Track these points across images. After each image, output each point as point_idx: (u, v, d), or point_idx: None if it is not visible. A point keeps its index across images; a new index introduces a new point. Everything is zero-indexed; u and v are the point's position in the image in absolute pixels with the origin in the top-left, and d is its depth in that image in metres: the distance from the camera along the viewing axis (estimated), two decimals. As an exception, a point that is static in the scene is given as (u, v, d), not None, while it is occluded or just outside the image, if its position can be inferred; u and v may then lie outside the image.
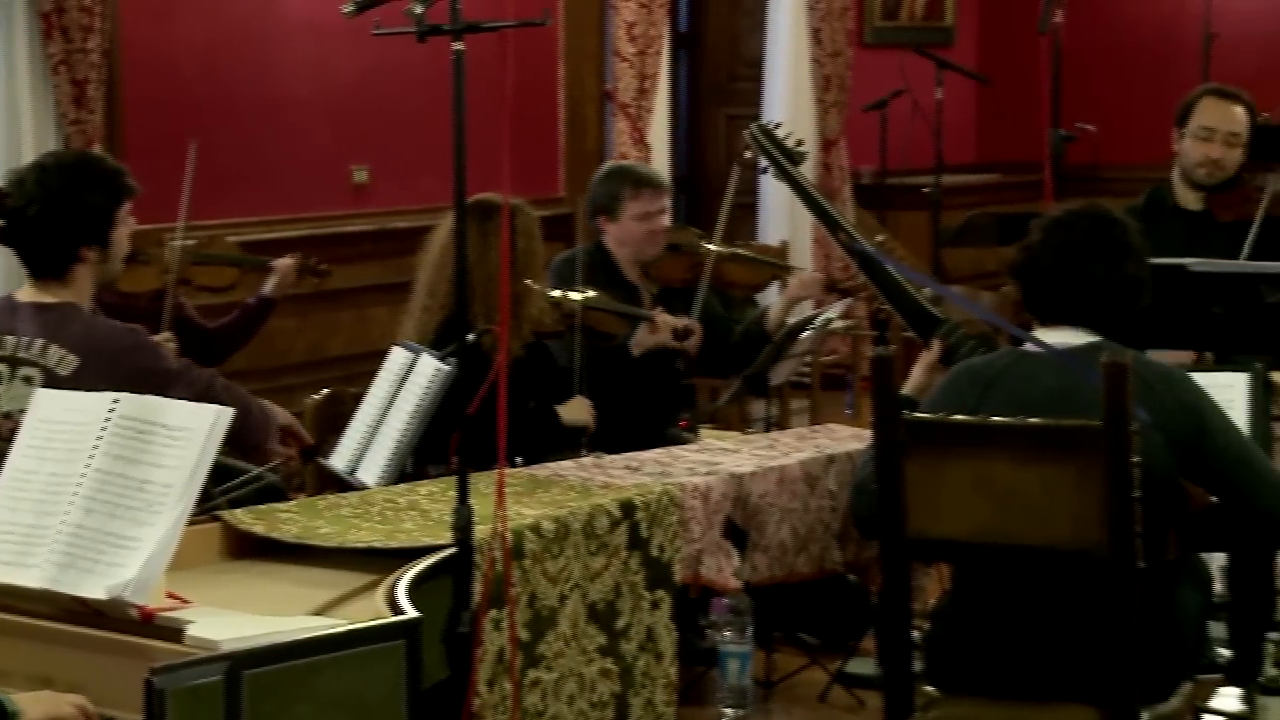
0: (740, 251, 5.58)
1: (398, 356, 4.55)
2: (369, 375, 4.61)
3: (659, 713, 3.96)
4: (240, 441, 3.97)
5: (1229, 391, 3.94)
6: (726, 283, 5.57)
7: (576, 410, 4.92)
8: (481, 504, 3.43)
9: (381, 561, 3.34)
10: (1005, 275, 3.62)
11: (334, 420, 4.72)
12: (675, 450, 4.67)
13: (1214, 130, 5.11)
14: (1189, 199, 5.16)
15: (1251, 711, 4.21)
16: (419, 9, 3.24)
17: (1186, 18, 9.34)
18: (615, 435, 4.88)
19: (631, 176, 5.45)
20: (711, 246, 5.46)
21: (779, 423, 6.86)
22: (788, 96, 8.95)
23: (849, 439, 4.74)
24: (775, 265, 5.85)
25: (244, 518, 3.60)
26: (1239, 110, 5.13)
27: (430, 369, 4.37)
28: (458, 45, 3.25)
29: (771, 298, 6.20)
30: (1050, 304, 3.54)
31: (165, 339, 5.09)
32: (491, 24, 3.31)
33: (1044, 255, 3.54)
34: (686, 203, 9.55)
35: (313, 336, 7.06)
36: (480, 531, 3.35)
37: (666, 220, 5.42)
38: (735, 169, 5.58)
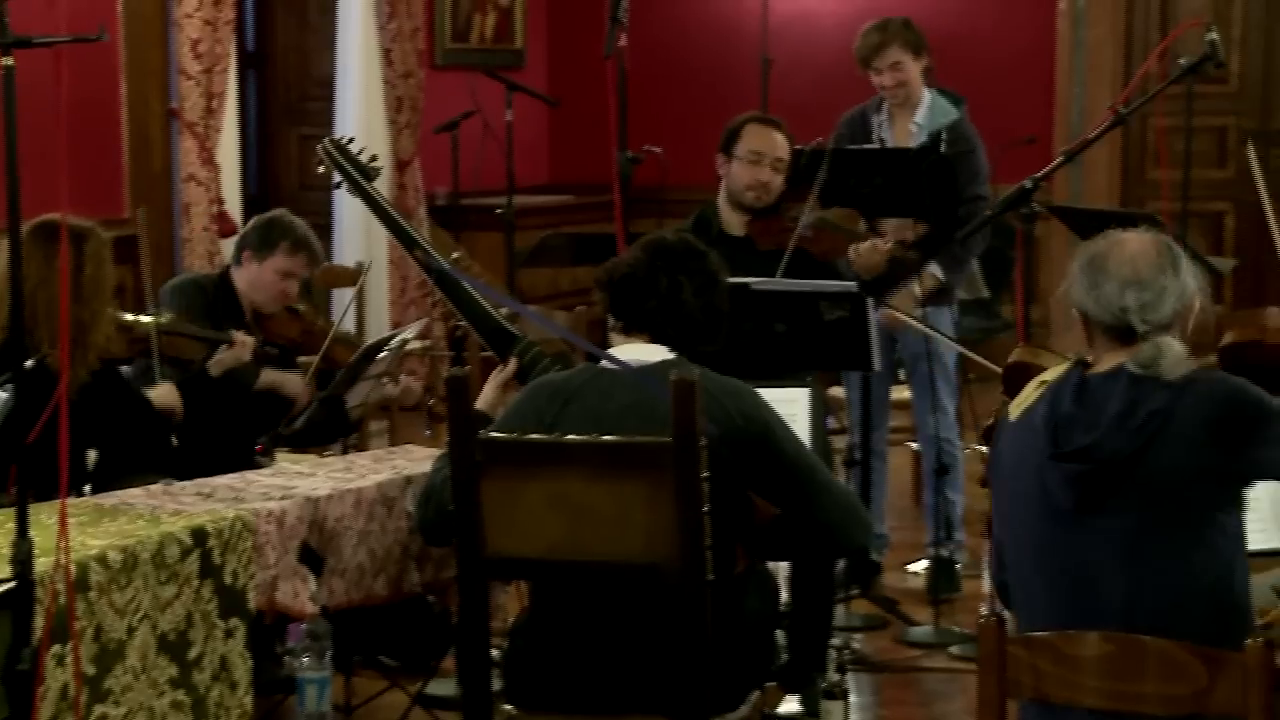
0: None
1: (-49, 384, 4.35)
2: (-80, 405, 4.39)
3: (235, 744, 3.88)
4: None
5: (791, 406, 4.09)
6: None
7: (164, 395, 4.90)
8: (43, 535, 3.31)
9: (-65, 600, 3.19)
10: (594, 284, 3.68)
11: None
12: (249, 475, 4.59)
13: (762, 154, 5.29)
14: (733, 224, 5.35)
15: (815, 716, 4.37)
16: (-35, 21, 3.10)
17: (744, 43, 9.63)
18: (192, 461, 4.78)
19: (297, 234, 5.42)
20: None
21: (357, 445, 6.80)
22: (360, 117, 8.90)
23: (426, 460, 4.73)
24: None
25: None
26: (781, 137, 5.34)
27: (-14, 397, 4.20)
28: (6, 60, 3.12)
29: None
30: (637, 312, 3.61)
31: None
32: (43, 39, 3.19)
33: (640, 266, 3.61)
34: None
35: None
36: (41, 564, 3.24)
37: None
38: None
